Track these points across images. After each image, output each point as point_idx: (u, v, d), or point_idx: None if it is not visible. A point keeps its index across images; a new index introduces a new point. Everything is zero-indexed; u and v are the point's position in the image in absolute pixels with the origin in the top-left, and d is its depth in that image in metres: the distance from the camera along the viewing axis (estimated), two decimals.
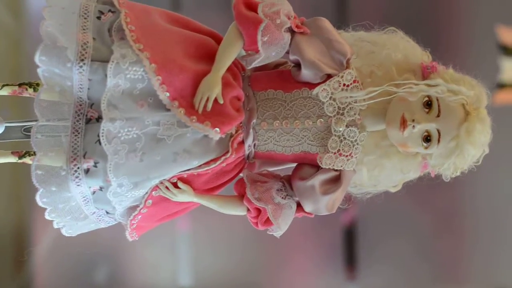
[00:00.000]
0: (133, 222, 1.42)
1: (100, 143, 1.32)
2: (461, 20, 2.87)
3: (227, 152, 1.37)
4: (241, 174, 1.44)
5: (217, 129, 1.33)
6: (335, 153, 1.38)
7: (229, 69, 1.37)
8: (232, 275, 3.02)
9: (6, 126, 1.46)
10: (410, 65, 1.40)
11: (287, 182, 1.43)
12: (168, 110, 1.33)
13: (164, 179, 1.37)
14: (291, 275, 2.99)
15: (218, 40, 1.40)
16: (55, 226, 1.42)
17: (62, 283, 2.98)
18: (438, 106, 1.34)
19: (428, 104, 1.35)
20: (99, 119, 1.35)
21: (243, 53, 1.40)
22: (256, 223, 1.42)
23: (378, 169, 1.43)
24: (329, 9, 2.85)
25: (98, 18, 1.37)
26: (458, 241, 2.90)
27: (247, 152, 1.41)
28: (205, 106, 1.33)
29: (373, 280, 2.96)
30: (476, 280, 2.92)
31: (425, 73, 1.39)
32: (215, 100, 1.34)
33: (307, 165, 1.42)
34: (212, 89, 1.33)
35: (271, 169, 1.47)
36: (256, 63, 1.39)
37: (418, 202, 2.85)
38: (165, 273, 3.02)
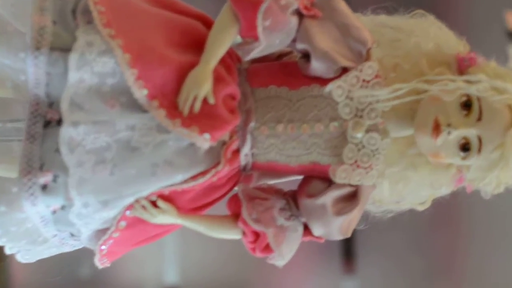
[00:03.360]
0: (103, 247, 1.28)
1: (60, 152, 1.18)
2: (468, 5, 2.89)
3: (219, 163, 1.23)
4: (235, 189, 1.31)
5: (207, 135, 1.19)
6: (351, 165, 1.24)
7: (221, 61, 1.23)
8: (220, 272, 2.98)
9: None
10: (444, 57, 1.26)
11: (292, 199, 1.30)
12: (146, 111, 1.19)
13: (140, 197, 1.22)
14: (284, 271, 2.89)
15: (208, 24, 1.27)
16: (8, 251, 1.29)
17: (44, 279, 2.93)
18: (479, 107, 1.20)
19: (467, 105, 1.21)
20: (60, 122, 1.20)
21: (239, 40, 1.26)
22: (254, 249, 1.30)
23: (403, 183, 1.30)
24: None
25: None
26: (455, 236, 2.93)
27: (243, 163, 1.27)
28: (192, 107, 1.20)
29: (372, 273, 2.94)
30: (472, 275, 2.93)
31: (462, 67, 1.25)
32: (205, 99, 1.20)
33: (317, 178, 1.27)
34: (201, 85, 1.19)
35: (271, 182, 1.33)
36: (255, 53, 1.24)
37: None
38: (150, 269, 2.99)
